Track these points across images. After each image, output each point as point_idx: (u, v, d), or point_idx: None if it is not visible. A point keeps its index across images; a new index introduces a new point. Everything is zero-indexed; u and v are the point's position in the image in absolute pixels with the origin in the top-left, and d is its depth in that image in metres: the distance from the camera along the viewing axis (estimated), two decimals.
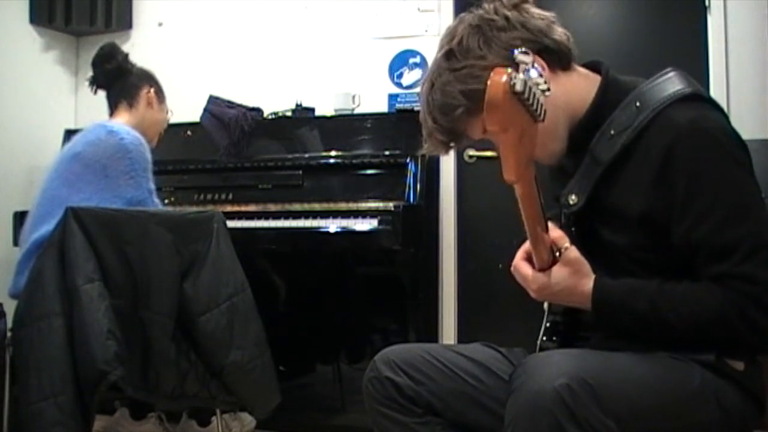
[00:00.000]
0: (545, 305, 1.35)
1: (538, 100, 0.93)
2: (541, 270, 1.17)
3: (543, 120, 0.96)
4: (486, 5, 1.24)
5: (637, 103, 1.20)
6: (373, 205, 2.66)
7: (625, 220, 1.20)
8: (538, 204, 1.06)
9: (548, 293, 1.19)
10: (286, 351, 2.55)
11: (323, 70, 3.29)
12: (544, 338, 1.32)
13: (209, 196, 2.92)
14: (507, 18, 1.22)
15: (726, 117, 1.21)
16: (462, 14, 1.28)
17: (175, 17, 3.54)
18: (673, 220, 1.15)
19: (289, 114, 3.09)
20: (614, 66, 1.33)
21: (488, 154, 3.12)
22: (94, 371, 1.82)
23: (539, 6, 1.27)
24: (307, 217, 2.69)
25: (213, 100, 3.05)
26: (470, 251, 3.13)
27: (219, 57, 3.44)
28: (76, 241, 1.89)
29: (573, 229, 1.24)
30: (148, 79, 2.46)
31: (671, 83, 1.20)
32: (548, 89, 0.96)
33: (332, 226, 2.64)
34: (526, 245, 1.19)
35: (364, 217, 2.62)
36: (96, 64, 2.41)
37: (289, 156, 2.93)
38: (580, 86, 1.27)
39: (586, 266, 1.17)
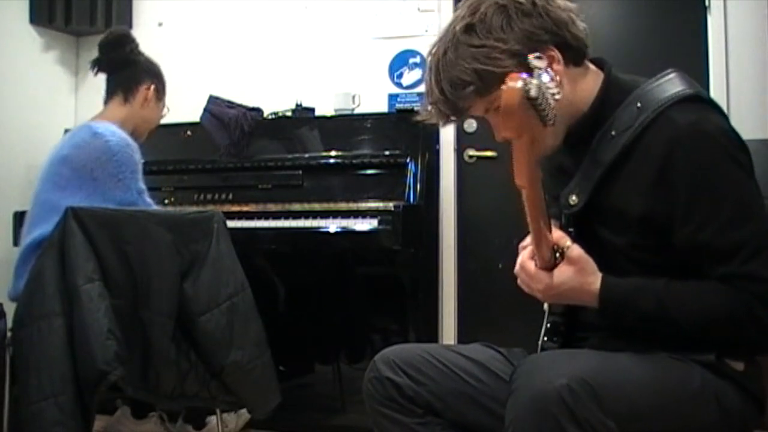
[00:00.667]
0: (545, 306, 1.35)
1: (549, 105, 0.95)
2: (544, 269, 1.17)
3: (553, 124, 0.97)
4: None
5: (638, 104, 1.20)
6: (373, 205, 2.66)
7: (625, 221, 1.20)
8: (542, 204, 1.06)
9: (554, 293, 1.18)
10: (286, 351, 2.55)
11: (323, 70, 3.29)
12: (545, 339, 1.32)
13: (209, 196, 2.92)
14: (534, 3, 1.20)
15: (726, 118, 1.21)
16: None
17: (175, 17, 3.54)
18: (676, 223, 1.15)
19: (289, 114, 3.09)
20: (614, 65, 1.33)
21: (488, 154, 3.12)
22: (94, 371, 1.82)
23: None
24: (307, 217, 2.69)
25: (213, 100, 3.05)
26: (470, 251, 3.13)
27: (219, 57, 3.44)
28: (76, 241, 1.89)
29: (572, 229, 1.24)
30: (151, 74, 2.41)
31: (672, 84, 1.20)
32: (559, 93, 0.97)
33: (332, 226, 2.64)
34: (529, 247, 1.18)
35: (364, 217, 2.62)
36: (102, 49, 2.35)
37: (289, 156, 2.93)
38: (585, 83, 1.27)
39: (591, 264, 1.17)
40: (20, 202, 2.96)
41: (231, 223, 2.36)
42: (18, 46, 3.37)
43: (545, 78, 0.94)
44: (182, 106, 3.11)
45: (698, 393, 1.12)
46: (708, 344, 1.15)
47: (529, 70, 0.96)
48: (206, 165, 2.99)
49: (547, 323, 1.33)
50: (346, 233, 2.61)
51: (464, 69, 1.19)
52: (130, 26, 3.54)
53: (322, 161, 2.87)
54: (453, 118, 1.28)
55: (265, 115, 3.09)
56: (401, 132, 2.85)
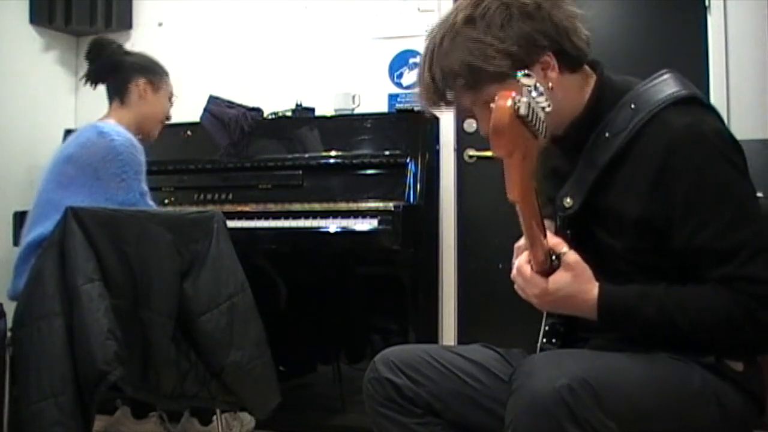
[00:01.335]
0: None
1: (540, 119, 0.95)
2: (541, 273, 1.16)
3: (545, 137, 0.97)
4: None
5: (632, 105, 1.20)
6: (373, 205, 2.66)
7: (621, 224, 1.19)
8: (537, 212, 1.06)
9: (550, 299, 1.16)
10: (286, 351, 2.55)
11: (323, 70, 3.29)
12: (544, 340, 1.32)
13: (209, 196, 2.92)
14: (538, 6, 1.19)
15: (721, 119, 1.20)
16: None
17: (175, 17, 3.54)
18: (674, 225, 1.15)
19: (289, 114, 3.09)
20: (614, 66, 1.33)
21: (488, 154, 3.12)
22: (94, 371, 1.81)
23: None
24: (307, 217, 2.69)
25: (213, 100, 3.05)
26: (470, 251, 3.13)
27: (219, 57, 3.44)
28: (76, 241, 1.89)
29: (568, 232, 1.23)
30: (140, 70, 2.38)
31: (666, 85, 1.20)
32: (549, 105, 0.97)
33: (332, 226, 2.64)
34: (526, 252, 1.16)
35: (364, 217, 2.62)
36: (87, 59, 2.37)
37: (289, 156, 2.93)
38: (579, 87, 1.27)
39: (588, 271, 1.15)
40: (20, 202, 2.96)
41: (231, 223, 2.36)
42: (18, 46, 3.37)
43: (534, 93, 0.95)
44: (182, 106, 3.10)
45: (698, 393, 1.12)
46: (708, 345, 1.15)
47: (523, 68, 0.96)
48: (206, 165, 2.99)
49: (545, 325, 1.33)
50: (346, 233, 2.61)
51: (457, 61, 1.19)
52: (130, 26, 3.55)
53: (322, 161, 2.87)
54: (441, 105, 1.28)
55: (265, 115, 3.09)
56: (401, 132, 2.85)
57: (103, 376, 1.81)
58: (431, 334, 2.97)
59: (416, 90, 1.29)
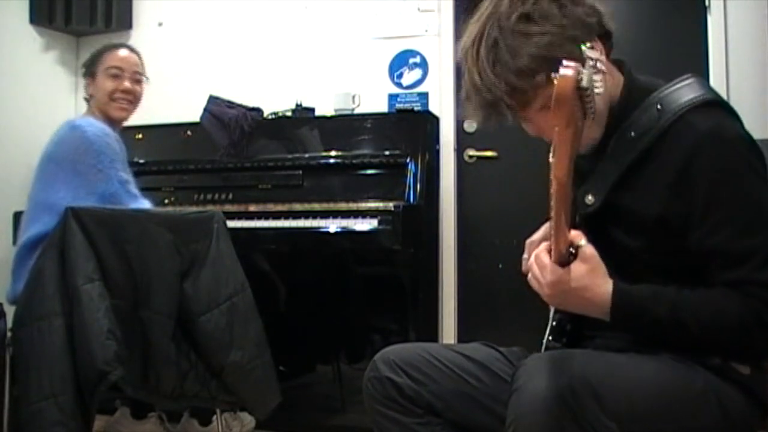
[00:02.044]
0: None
1: (593, 97, 0.95)
2: (558, 264, 1.14)
3: (593, 117, 0.98)
4: None
5: (659, 106, 1.20)
6: (373, 205, 2.66)
7: (640, 223, 1.19)
8: (569, 200, 1.04)
9: (563, 289, 1.12)
10: (286, 351, 2.55)
11: (323, 70, 3.29)
12: (550, 337, 1.31)
13: (209, 196, 2.92)
14: None
15: (742, 124, 1.21)
16: None
17: (175, 17, 3.54)
18: (691, 227, 1.15)
19: (289, 114, 3.09)
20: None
21: (488, 154, 3.12)
22: (94, 371, 1.82)
23: None
24: (307, 217, 2.69)
25: (213, 100, 3.05)
26: (470, 251, 3.13)
27: (219, 57, 3.44)
28: (76, 241, 1.89)
29: (584, 229, 1.23)
30: (84, 71, 2.45)
31: (691, 89, 1.21)
32: (602, 85, 0.98)
33: (332, 226, 2.64)
34: (546, 242, 1.14)
35: (364, 217, 2.62)
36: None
37: (289, 156, 2.93)
38: (613, 81, 1.26)
39: (603, 267, 1.14)
40: (20, 202, 2.94)
41: (231, 223, 2.37)
42: (18, 46, 3.36)
43: (593, 69, 0.95)
44: (182, 106, 3.11)
45: (700, 395, 1.12)
46: (715, 349, 1.14)
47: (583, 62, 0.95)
48: (206, 165, 2.99)
49: (553, 321, 1.32)
50: (346, 233, 2.61)
51: (530, 57, 1.16)
52: (130, 26, 3.55)
53: (322, 161, 2.87)
54: (515, 112, 1.23)
55: (265, 115, 3.09)
56: (401, 132, 2.85)
57: (103, 376, 1.81)
58: (431, 334, 2.96)
59: (481, 108, 1.24)
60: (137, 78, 2.42)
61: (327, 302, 2.87)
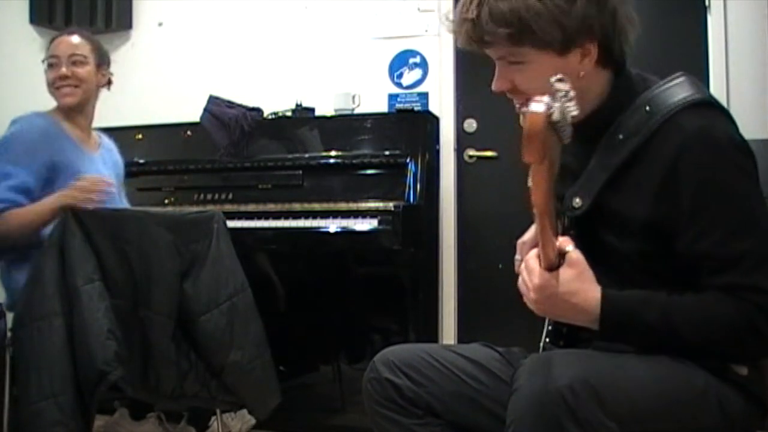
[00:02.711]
0: None
1: (567, 124, 0.96)
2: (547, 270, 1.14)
3: (569, 141, 0.99)
4: None
5: (647, 108, 1.19)
6: (373, 205, 2.66)
7: (629, 226, 1.18)
8: (553, 215, 1.05)
9: (548, 294, 1.12)
10: (286, 351, 2.55)
11: (323, 70, 3.30)
12: (547, 340, 1.31)
13: (209, 196, 2.92)
14: None
15: (734, 124, 1.19)
16: None
17: (175, 17, 3.54)
18: (680, 230, 1.14)
19: (289, 114, 3.09)
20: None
21: (488, 154, 3.13)
22: (94, 371, 1.82)
23: None
24: (307, 217, 2.69)
25: (213, 100, 3.05)
26: (470, 251, 3.13)
27: (219, 57, 3.44)
28: (75, 241, 1.89)
29: (573, 231, 1.22)
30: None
31: (681, 88, 1.19)
32: (576, 110, 0.97)
33: (332, 226, 2.64)
34: (536, 249, 1.14)
35: (364, 217, 2.62)
36: None
37: (289, 156, 2.93)
38: (605, 83, 1.25)
39: (590, 272, 1.13)
40: None
41: (231, 223, 2.36)
42: (18, 46, 3.37)
43: (565, 99, 0.96)
44: (182, 106, 3.11)
45: (701, 396, 1.11)
46: (708, 353, 1.14)
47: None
48: (206, 165, 2.99)
49: (548, 325, 1.32)
50: (346, 233, 2.61)
51: (511, 9, 1.15)
52: (130, 26, 3.55)
53: (322, 161, 2.87)
54: (473, 45, 1.22)
55: (265, 115, 3.09)
56: (401, 132, 2.85)
57: (103, 376, 1.81)
58: (431, 334, 2.97)
59: (454, 22, 1.23)
60: (75, 60, 2.26)
61: (327, 302, 2.87)
